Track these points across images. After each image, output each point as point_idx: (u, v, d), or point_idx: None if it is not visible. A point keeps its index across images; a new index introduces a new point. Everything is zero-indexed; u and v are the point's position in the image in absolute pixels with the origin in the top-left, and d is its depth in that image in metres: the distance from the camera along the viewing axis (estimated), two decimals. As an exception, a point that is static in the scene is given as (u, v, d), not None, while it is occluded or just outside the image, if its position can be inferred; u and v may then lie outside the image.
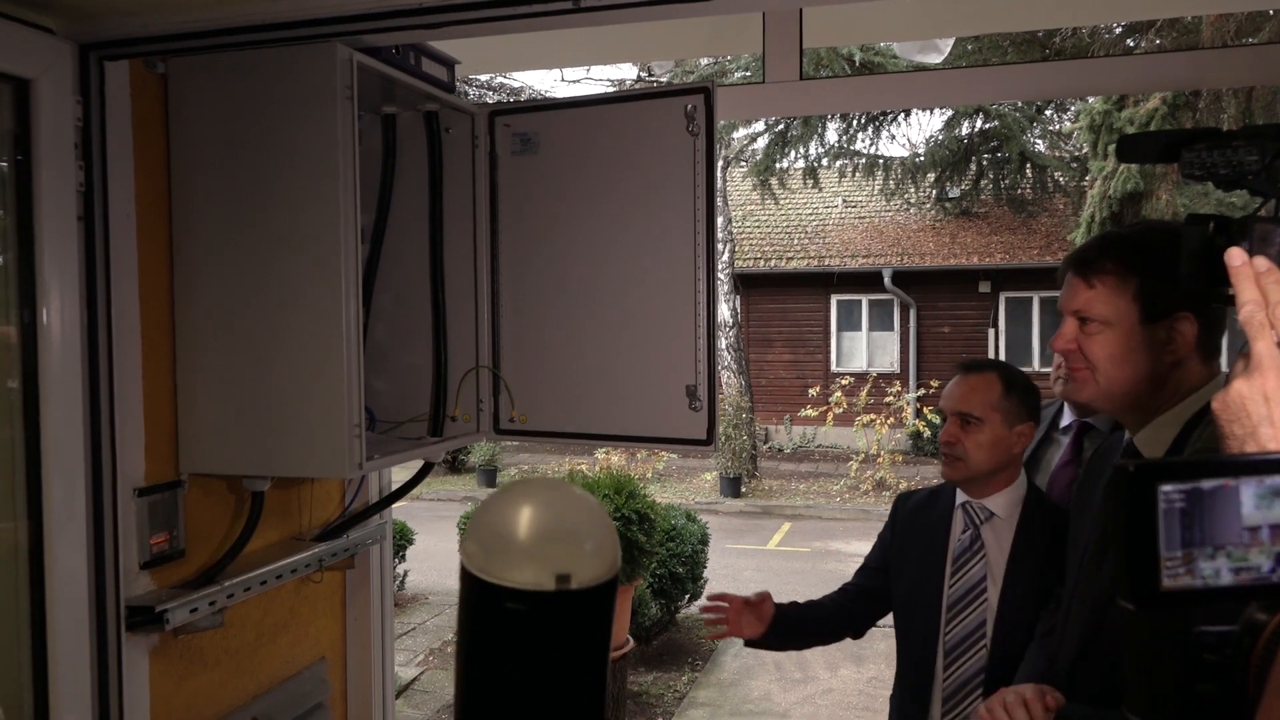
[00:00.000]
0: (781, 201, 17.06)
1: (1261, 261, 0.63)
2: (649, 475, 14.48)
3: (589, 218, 2.30)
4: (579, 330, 2.33)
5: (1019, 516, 2.35)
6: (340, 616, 2.58)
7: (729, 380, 15.33)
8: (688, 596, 7.28)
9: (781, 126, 13.51)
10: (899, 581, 2.53)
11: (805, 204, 19.45)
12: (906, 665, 2.48)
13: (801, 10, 2.14)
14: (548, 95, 15.60)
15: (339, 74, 1.82)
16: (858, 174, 16.64)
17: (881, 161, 16.35)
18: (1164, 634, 0.57)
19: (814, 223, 19.39)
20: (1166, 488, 0.51)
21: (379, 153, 2.41)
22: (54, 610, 1.70)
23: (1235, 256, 0.65)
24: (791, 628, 2.55)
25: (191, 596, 1.89)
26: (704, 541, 7.43)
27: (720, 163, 15.81)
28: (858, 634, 2.67)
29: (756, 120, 13.94)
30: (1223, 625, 0.56)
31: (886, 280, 17.71)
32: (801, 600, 2.63)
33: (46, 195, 1.63)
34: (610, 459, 12.85)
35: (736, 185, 18.23)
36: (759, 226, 19.13)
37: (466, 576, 0.69)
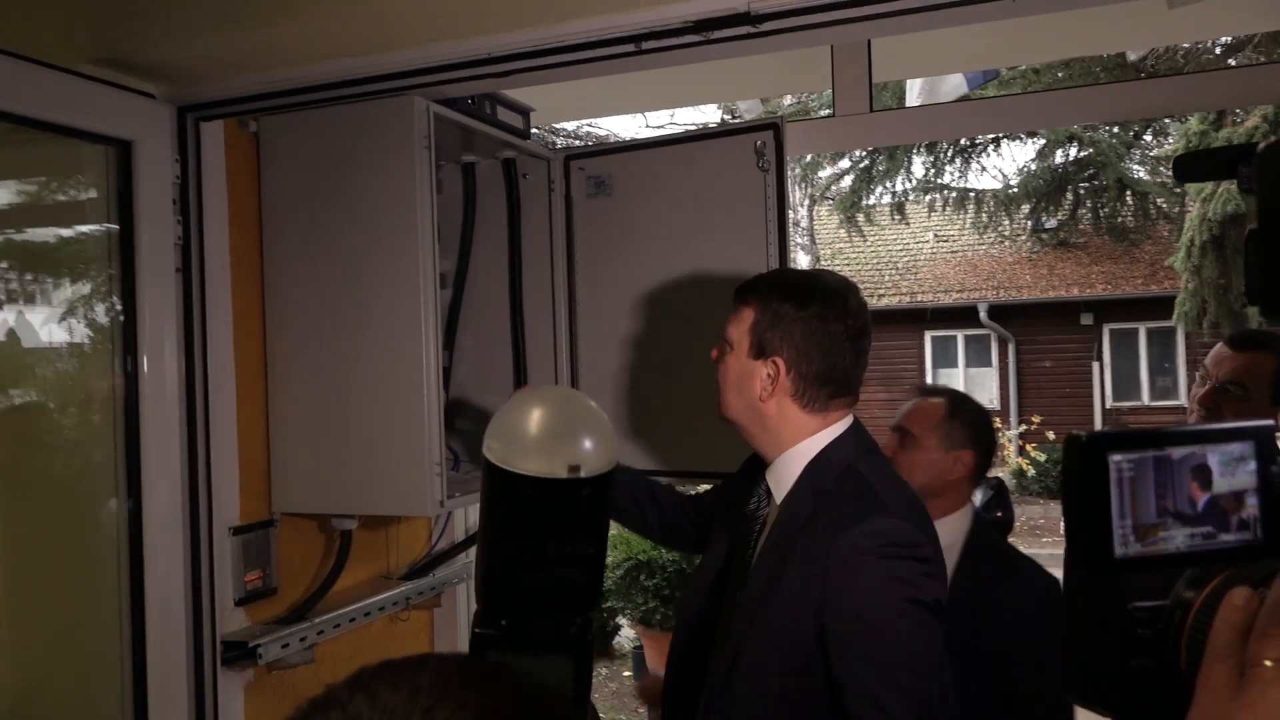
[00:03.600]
0: (870, 238, 16.86)
1: None
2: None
3: (663, 256, 2.32)
4: (656, 367, 2.35)
5: (959, 553, 2.05)
6: (428, 656, 2.62)
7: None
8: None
9: (867, 163, 13.42)
10: None
11: (895, 240, 19.19)
12: None
13: (870, 42, 2.14)
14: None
15: (416, 124, 1.89)
16: (948, 208, 16.37)
17: (973, 194, 16.06)
18: (1100, 613, 0.57)
19: (905, 259, 19.11)
20: (1117, 457, 0.51)
21: (460, 201, 2.49)
22: (153, 644, 1.78)
23: None
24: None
25: (283, 632, 1.95)
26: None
27: (806, 201, 15.78)
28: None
29: (840, 157, 13.90)
30: (1155, 601, 0.56)
31: (982, 315, 17.28)
32: None
33: (147, 248, 1.74)
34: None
35: (824, 223, 18.13)
36: (848, 264, 18.92)
37: (490, 469, 0.82)
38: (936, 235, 19.39)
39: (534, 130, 2.44)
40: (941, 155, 13.66)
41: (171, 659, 1.81)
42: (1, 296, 1.65)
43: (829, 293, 1.60)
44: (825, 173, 15.12)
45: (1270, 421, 0.55)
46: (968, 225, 17.84)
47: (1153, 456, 0.52)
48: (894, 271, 18.88)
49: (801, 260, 16.03)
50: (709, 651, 1.61)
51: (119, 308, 1.74)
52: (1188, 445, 0.53)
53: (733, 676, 1.50)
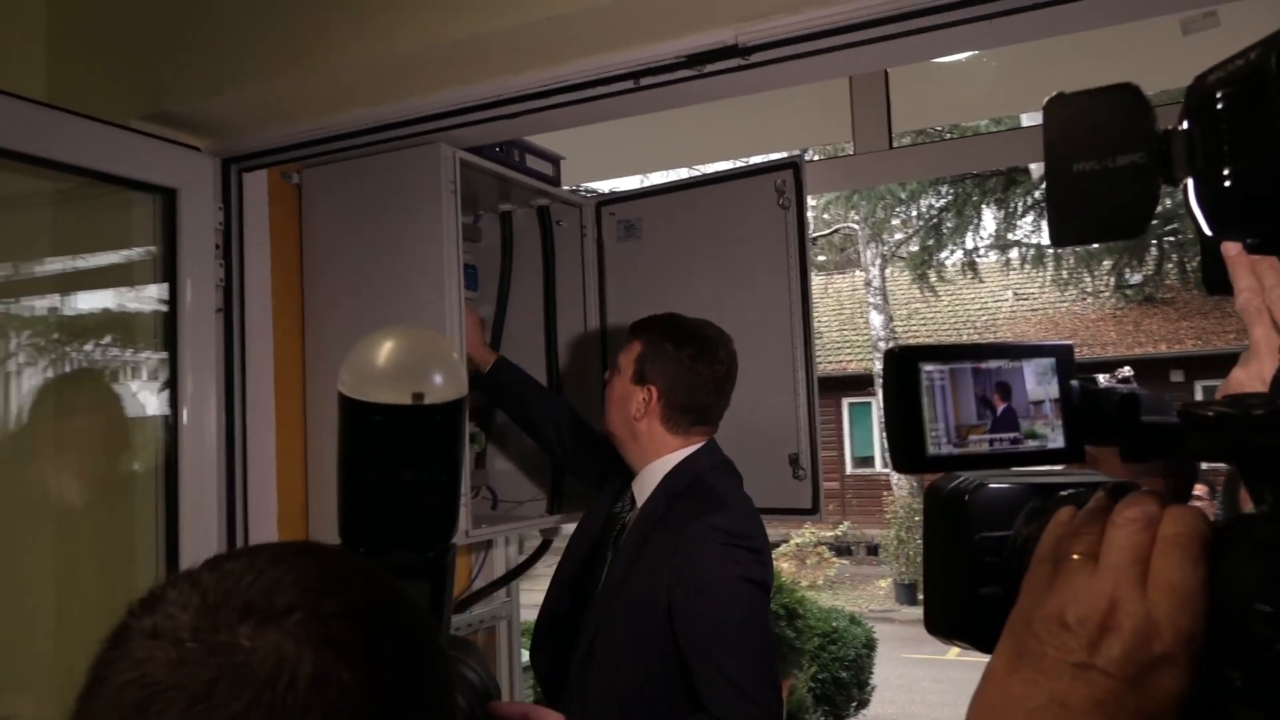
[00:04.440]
0: (947, 297, 16.64)
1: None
2: (820, 582, 14.04)
3: (691, 294, 2.36)
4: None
5: None
6: (468, 695, 2.64)
7: (898, 481, 14.82)
8: (854, 705, 6.94)
9: (935, 220, 13.33)
10: None
11: (973, 299, 18.89)
12: None
13: (887, 74, 2.18)
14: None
15: (443, 170, 1.99)
16: (1026, 264, 16.10)
17: (1053, 252, 15.76)
18: (952, 547, 0.61)
19: (983, 317, 18.77)
20: (928, 367, 0.56)
21: (499, 249, 2.59)
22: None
23: (1230, 248, 0.66)
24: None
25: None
26: (869, 646, 7.10)
27: (878, 260, 15.69)
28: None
29: (908, 214, 13.82)
30: (1001, 531, 0.60)
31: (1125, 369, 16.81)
32: None
33: (188, 290, 1.85)
34: (780, 564, 12.58)
35: (896, 282, 17.98)
36: (924, 324, 18.68)
37: (342, 400, 0.86)
38: (1015, 293, 19.04)
39: (585, 190, 2.54)
40: (1012, 210, 13.49)
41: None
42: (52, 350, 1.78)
43: (704, 340, 1.94)
44: (897, 236, 15.05)
45: (1070, 342, 0.59)
46: (1047, 282, 17.50)
47: (960, 368, 0.56)
48: (972, 330, 18.54)
49: (874, 320, 15.88)
50: (574, 634, 1.88)
51: (161, 346, 1.85)
52: (993, 360, 0.57)
53: (592, 654, 1.78)
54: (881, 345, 15.59)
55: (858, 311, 18.07)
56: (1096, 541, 0.52)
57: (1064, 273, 16.25)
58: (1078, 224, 0.53)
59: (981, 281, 17.10)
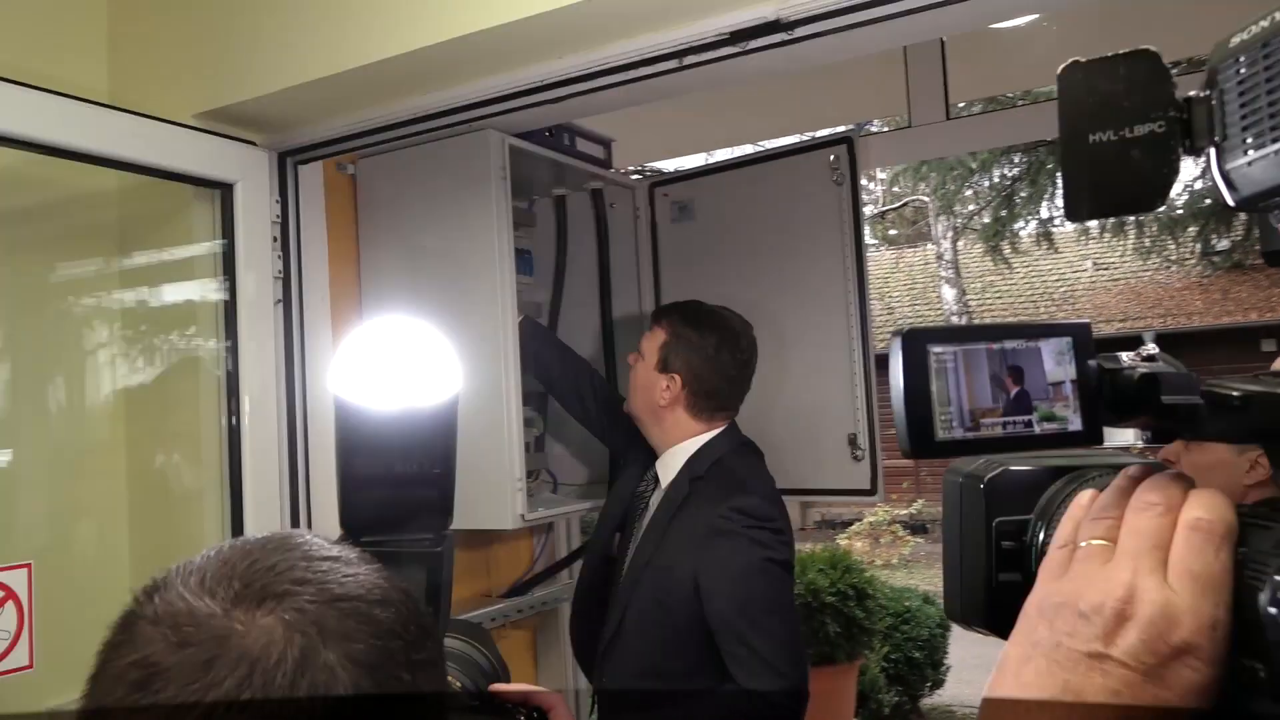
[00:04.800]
0: (1023, 269, 16.21)
1: None
2: (894, 561, 13.88)
3: (745, 274, 2.35)
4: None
5: None
6: (532, 679, 2.68)
7: (975, 459, 14.52)
8: (929, 685, 6.84)
9: (1008, 190, 12.97)
10: None
11: (1050, 269, 18.37)
12: None
13: (944, 47, 2.13)
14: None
15: (492, 155, 2.00)
16: (1106, 233, 15.58)
17: (1134, 219, 15.23)
18: (970, 531, 0.60)
19: (1061, 288, 18.25)
20: (937, 349, 0.54)
21: (554, 233, 2.60)
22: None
23: None
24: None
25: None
26: (943, 626, 6.99)
27: (950, 233, 15.34)
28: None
29: (980, 185, 13.48)
30: (1021, 515, 0.58)
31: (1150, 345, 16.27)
32: None
33: (248, 282, 1.90)
34: (854, 543, 12.47)
35: (969, 254, 17.57)
36: (1000, 297, 18.23)
37: (337, 402, 0.90)
38: (1095, 263, 18.46)
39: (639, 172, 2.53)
40: (1091, 178, 13.04)
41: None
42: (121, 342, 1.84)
43: (727, 329, 1.98)
44: (970, 207, 14.70)
45: (1087, 321, 0.57)
46: (1129, 251, 16.92)
47: (974, 349, 0.55)
48: (1050, 303, 18.04)
49: (947, 294, 15.56)
50: (603, 610, 1.98)
51: (222, 337, 1.90)
52: (1007, 340, 0.55)
53: (621, 631, 1.87)
54: (955, 320, 15.29)
55: (930, 286, 17.72)
56: (1116, 526, 0.50)
57: (1146, 240, 15.67)
58: (1093, 197, 0.51)
59: (1058, 252, 16.60)
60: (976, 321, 16.88)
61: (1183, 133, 0.49)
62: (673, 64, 1.61)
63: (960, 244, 16.13)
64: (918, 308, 18.17)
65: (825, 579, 5.04)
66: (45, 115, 1.62)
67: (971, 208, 15.06)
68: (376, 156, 2.15)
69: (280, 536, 0.65)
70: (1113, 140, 0.50)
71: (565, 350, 2.35)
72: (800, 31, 1.49)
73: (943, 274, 15.70)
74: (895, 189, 17.67)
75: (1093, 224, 15.42)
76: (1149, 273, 17.53)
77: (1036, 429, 0.54)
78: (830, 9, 1.44)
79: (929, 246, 17.90)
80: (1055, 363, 0.55)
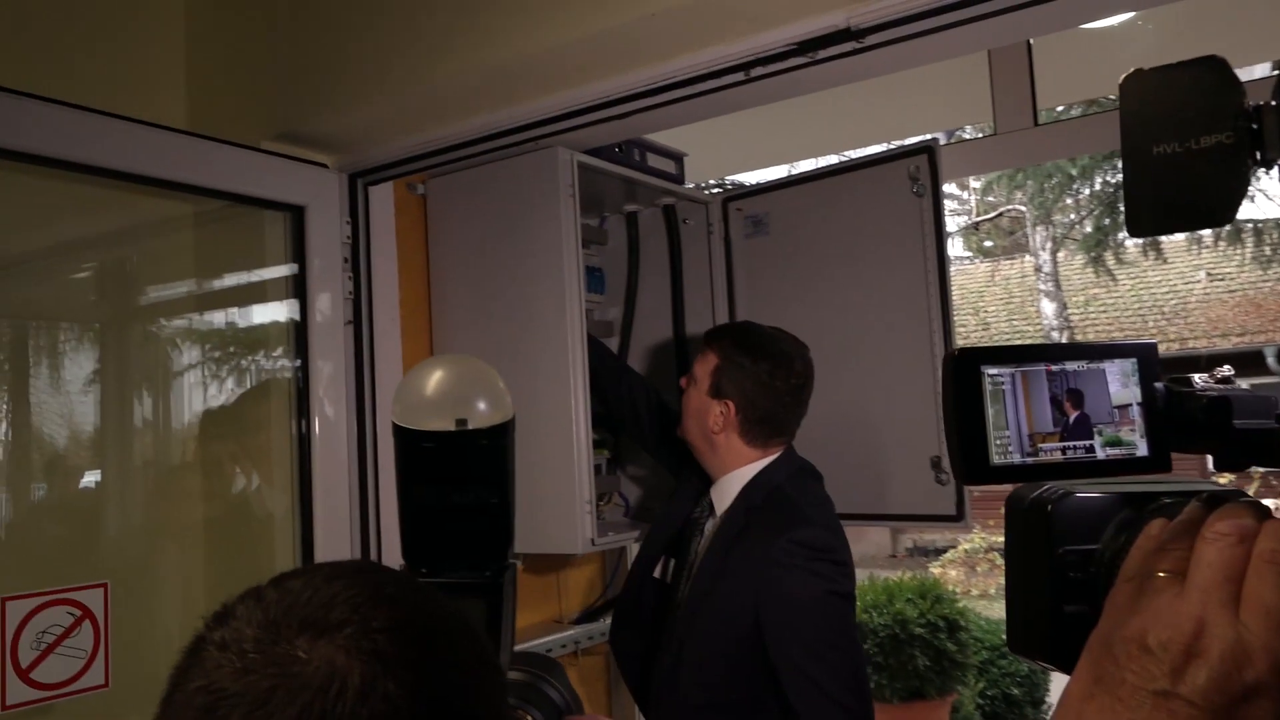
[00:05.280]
0: (1128, 281, 15.55)
1: None
2: (992, 590, 13.40)
3: (822, 291, 2.27)
4: (818, 406, 2.28)
5: None
6: (605, 706, 2.63)
7: (1078, 478, 13.96)
8: None
9: (1111, 198, 12.46)
10: None
11: (1160, 281, 17.58)
12: None
13: (1030, 50, 2.02)
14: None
15: (560, 173, 1.98)
16: (1220, 242, 14.85)
17: (1251, 225, 14.48)
18: (1034, 560, 0.56)
19: (1172, 301, 17.44)
20: (992, 370, 0.52)
21: (625, 250, 2.56)
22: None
23: None
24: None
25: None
26: (1044, 656, 6.69)
27: (1049, 244, 14.83)
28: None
29: (1080, 194, 13.00)
30: (1087, 544, 0.55)
31: (1270, 360, 15.40)
32: None
33: (319, 303, 1.91)
34: (947, 572, 12.07)
35: (1070, 266, 16.94)
36: (1104, 311, 17.52)
37: (395, 429, 0.93)
38: (1209, 274, 17.59)
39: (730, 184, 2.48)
40: (1202, 184, 12.46)
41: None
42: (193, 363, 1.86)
43: (780, 353, 1.90)
44: (1070, 216, 14.19)
45: (1153, 341, 0.53)
46: (1247, 260, 16.09)
47: (1033, 370, 0.52)
48: (1160, 316, 17.26)
49: (1046, 309, 15.04)
50: (657, 636, 1.95)
51: (293, 357, 1.91)
52: (1067, 361, 0.52)
53: (680, 661, 1.82)
54: (1055, 336, 14.76)
55: (1028, 299, 17.14)
56: (1185, 557, 0.47)
57: (1265, 249, 14.88)
58: (1157, 212, 0.47)
59: (1167, 262, 15.89)
60: (1075, 339, 16.29)
61: (1253, 143, 0.45)
62: (739, 76, 1.56)
63: (1060, 255, 15.57)
64: (1015, 322, 17.59)
65: (914, 609, 4.86)
66: (122, 142, 1.65)
67: (1072, 217, 14.54)
68: (446, 176, 2.15)
69: (347, 565, 0.66)
70: (1178, 152, 0.46)
71: (623, 368, 2.31)
72: (871, 40, 1.42)
73: (1041, 287, 15.18)
74: (990, 198, 17.17)
75: (1206, 232, 14.72)
76: (1269, 283, 16.61)
77: (1100, 454, 0.52)
78: (903, 14, 1.37)
79: (1026, 258, 17.33)
80: (1121, 384, 0.52)
